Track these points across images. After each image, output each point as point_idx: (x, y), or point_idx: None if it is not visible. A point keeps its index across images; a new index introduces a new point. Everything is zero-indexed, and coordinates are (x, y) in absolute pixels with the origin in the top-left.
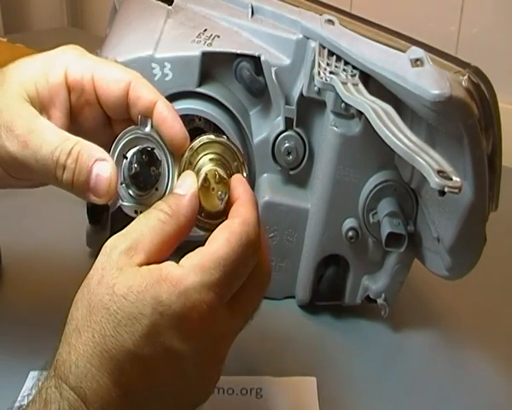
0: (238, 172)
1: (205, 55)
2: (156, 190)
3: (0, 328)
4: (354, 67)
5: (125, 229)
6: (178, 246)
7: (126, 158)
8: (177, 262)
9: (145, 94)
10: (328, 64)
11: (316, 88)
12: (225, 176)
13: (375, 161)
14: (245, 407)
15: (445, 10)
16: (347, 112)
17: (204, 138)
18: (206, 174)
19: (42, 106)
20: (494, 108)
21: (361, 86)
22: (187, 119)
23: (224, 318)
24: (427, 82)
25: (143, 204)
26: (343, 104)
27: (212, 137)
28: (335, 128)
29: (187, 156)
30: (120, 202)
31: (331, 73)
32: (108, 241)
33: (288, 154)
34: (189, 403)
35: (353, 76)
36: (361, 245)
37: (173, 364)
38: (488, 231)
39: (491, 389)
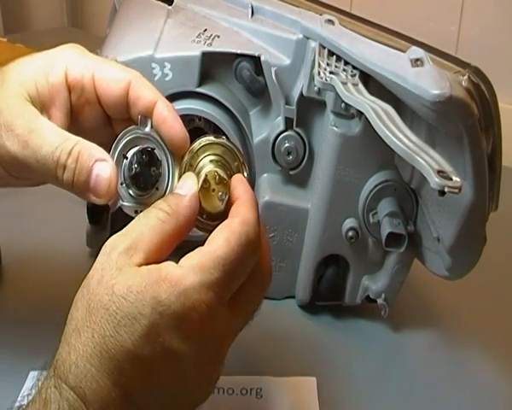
0: (239, 172)
1: (205, 55)
2: (156, 189)
3: (0, 328)
4: (354, 67)
5: (125, 229)
6: (178, 246)
7: (126, 158)
8: (177, 262)
9: (145, 94)
10: (328, 64)
11: (316, 88)
12: (225, 176)
13: (375, 161)
14: (245, 407)
15: (444, 10)
16: (347, 112)
17: (204, 140)
18: (206, 175)
19: (42, 105)
20: (494, 108)
21: (361, 86)
22: (187, 119)
23: (224, 318)
24: (427, 82)
25: (144, 204)
26: (343, 104)
27: (212, 138)
28: (335, 128)
29: (187, 159)
30: (121, 202)
31: (331, 73)
32: (108, 241)
33: (288, 154)
34: (188, 403)
35: (353, 76)
36: (361, 245)
37: (173, 364)
38: (488, 231)
39: (491, 389)
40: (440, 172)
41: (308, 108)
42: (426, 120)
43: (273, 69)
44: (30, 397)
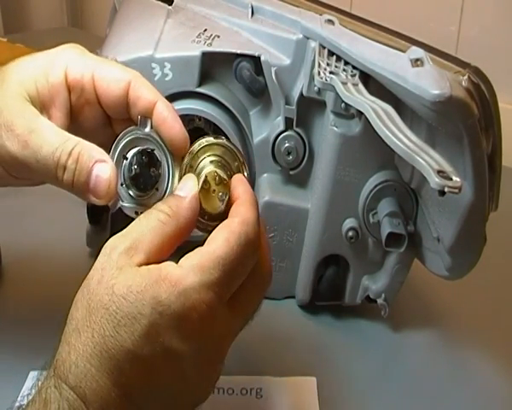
0: (239, 172)
1: (205, 55)
2: (156, 190)
3: (0, 328)
4: (354, 67)
5: (125, 229)
6: (178, 246)
7: (126, 159)
8: (177, 262)
9: (145, 94)
10: (328, 64)
11: (316, 88)
12: (225, 177)
13: (375, 161)
14: (245, 407)
15: (444, 10)
16: (347, 112)
17: (203, 141)
18: (206, 176)
19: (42, 105)
20: (494, 108)
21: (361, 86)
22: (187, 119)
23: (224, 317)
24: (427, 82)
25: (144, 205)
26: (343, 104)
27: (212, 139)
28: (335, 128)
29: (187, 160)
30: (121, 202)
31: (331, 73)
32: (108, 241)
33: (288, 154)
34: (188, 403)
35: (353, 76)
36: (361, 245)
37: (173, 364)
38: (488, 231)
39: (491, 389)
40: (440, 172)
41: (308, 108)
42: (426, 120)
43: (273, 69)
44: (30, 397)
